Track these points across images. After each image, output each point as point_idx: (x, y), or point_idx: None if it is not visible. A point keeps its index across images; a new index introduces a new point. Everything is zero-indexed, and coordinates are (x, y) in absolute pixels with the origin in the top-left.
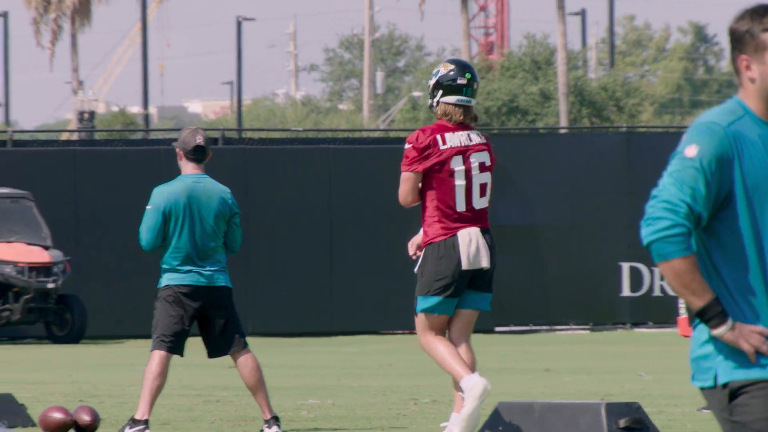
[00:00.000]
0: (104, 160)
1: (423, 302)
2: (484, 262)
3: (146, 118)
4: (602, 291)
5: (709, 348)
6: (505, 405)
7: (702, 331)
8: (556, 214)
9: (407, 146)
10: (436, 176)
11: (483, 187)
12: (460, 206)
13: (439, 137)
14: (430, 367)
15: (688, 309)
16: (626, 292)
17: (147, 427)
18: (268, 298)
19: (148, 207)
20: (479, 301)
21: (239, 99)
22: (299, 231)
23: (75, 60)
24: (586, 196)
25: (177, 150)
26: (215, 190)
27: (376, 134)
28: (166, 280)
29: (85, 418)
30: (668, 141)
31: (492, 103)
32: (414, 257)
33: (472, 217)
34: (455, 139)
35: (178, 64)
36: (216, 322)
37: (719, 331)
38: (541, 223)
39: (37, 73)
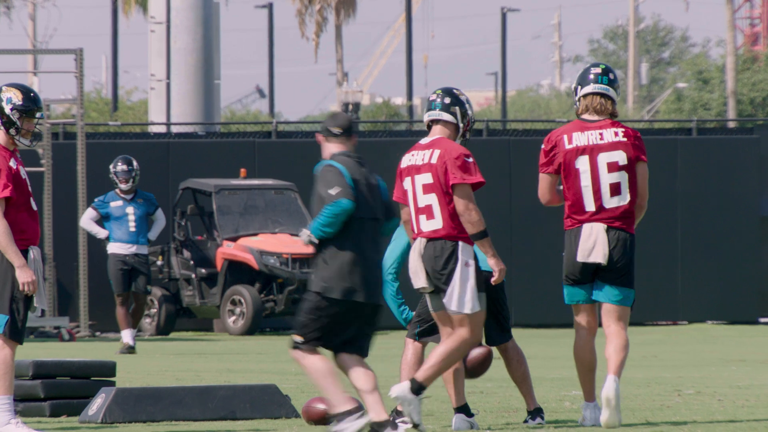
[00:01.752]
0: (369, 151)
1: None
2: (599, 257)
3: (410, 109)
4: None
5: None
6: None
7: None
8: None
9: (542, 146)
10: (565, 176)
11: (614, 187)
12: (589, 206)
13: (565, 137)
14: (695, 358)
15: None
16: None
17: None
18: (532, 289)
19: None
20: (609, 294)
21: (504, 90)
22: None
23: (339, 51)
24: None
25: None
26: None
27: (641, 125)
28: None
29: None
30: None
31: (757, 94)
32: None
33: (604, 218)
34: (582, 138)
35: (442, 55)
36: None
37: None
38: None
39: (301, 65)
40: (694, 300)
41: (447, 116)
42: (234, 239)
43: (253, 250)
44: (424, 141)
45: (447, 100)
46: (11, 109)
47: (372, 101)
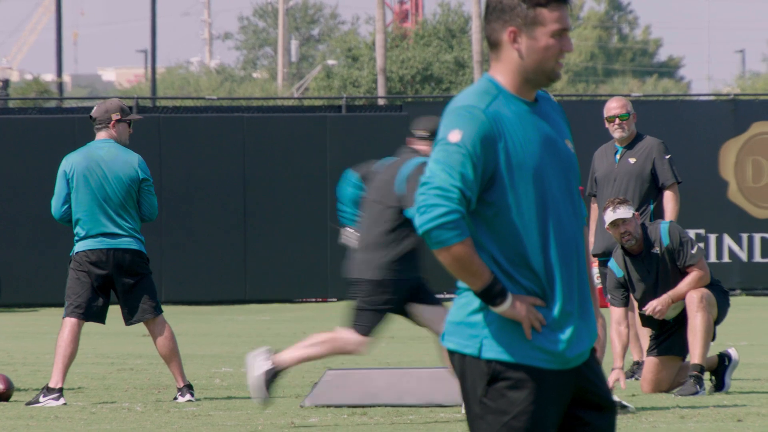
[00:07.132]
0: (18, 128)
1: None
2: None
3: (60, 86)
4: None
5: (479, 318)
6: None
7: (472, 299)
8: None
9: None
10: None
11: None
12: None
13: None
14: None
15: None
16: None
17: (61, 395)
18: (182, 267)
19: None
20: None
21: (153, 67)
22: (214, 199)
23: None
24: None
25: None
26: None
27: (290, 102)
28: (77, 247)
29: None
30: (582, 110)
31: (406, 72)
32: None
33: None
34: None
35: (92, 32)
36: (123, 287)
37: (502, 308)
38: None
39: None
40: (342, 277)
41: None
42: None
43: None
44: None
45: None
46: None
47: (22, 78)
